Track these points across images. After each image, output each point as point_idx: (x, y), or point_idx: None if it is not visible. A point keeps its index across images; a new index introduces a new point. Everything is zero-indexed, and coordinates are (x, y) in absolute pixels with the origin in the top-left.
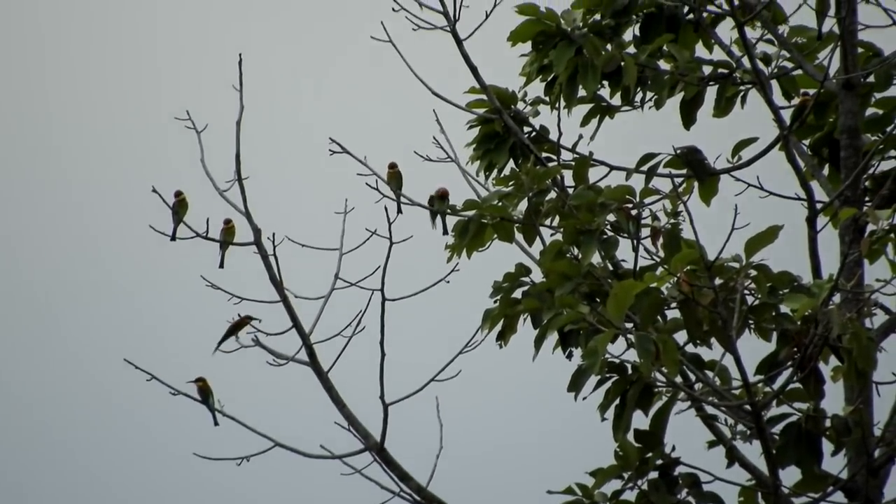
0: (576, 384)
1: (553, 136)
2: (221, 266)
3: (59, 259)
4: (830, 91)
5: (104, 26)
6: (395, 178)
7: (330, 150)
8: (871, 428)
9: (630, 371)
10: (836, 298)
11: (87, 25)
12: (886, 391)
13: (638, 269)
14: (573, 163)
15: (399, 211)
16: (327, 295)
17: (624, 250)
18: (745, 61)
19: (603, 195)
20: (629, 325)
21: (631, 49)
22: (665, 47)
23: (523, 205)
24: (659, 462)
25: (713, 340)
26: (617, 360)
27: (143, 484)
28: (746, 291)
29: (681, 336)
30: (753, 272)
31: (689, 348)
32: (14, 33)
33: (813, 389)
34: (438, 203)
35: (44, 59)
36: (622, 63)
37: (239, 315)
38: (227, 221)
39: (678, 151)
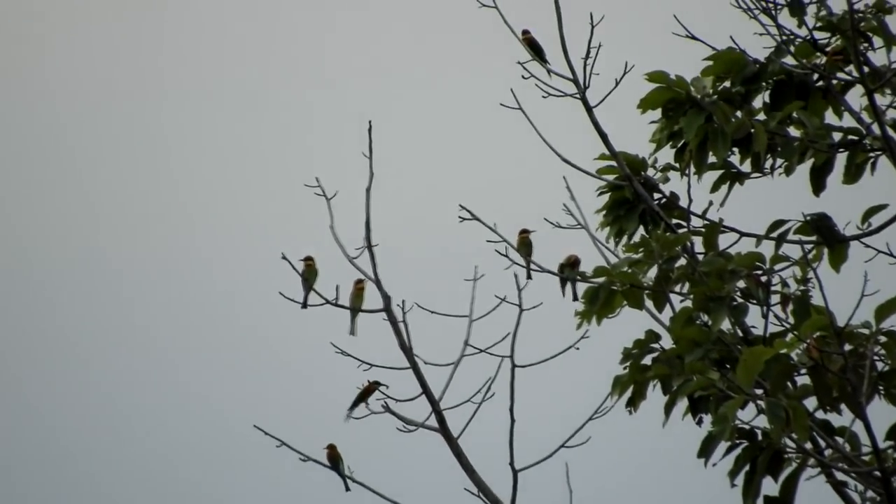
0: (705, 450)
1: (683, 202)
2: (353, 333)
3: (189, 324)
4: None
5: (235, 93)
6: (525, 244)
7: (460, 217)
8: None
9: (760, 437)
10: None
11: (218, 89)
12: None
13: (767, 335)
14: (703, 229)
15: (529, 277)
16: (457, 361)
17: (754, 317)
18: (875, 128)
19: (733, 262)
20: (759, 392)
21: (761, 116)
22: (795, 114)
23: (653, 271)
24: None
25: (843, 406)
26: (747, 427)
27: None
28: (876, 358)
29: (810, 402)
30: (883, 338)
31: (819, 414)
32: (145, 96)
33: None
34: (569, 270)
35: (175, 122)
36: (752, 130)
37: (368, 381)
38: (359, 281)
39: (808, 218)
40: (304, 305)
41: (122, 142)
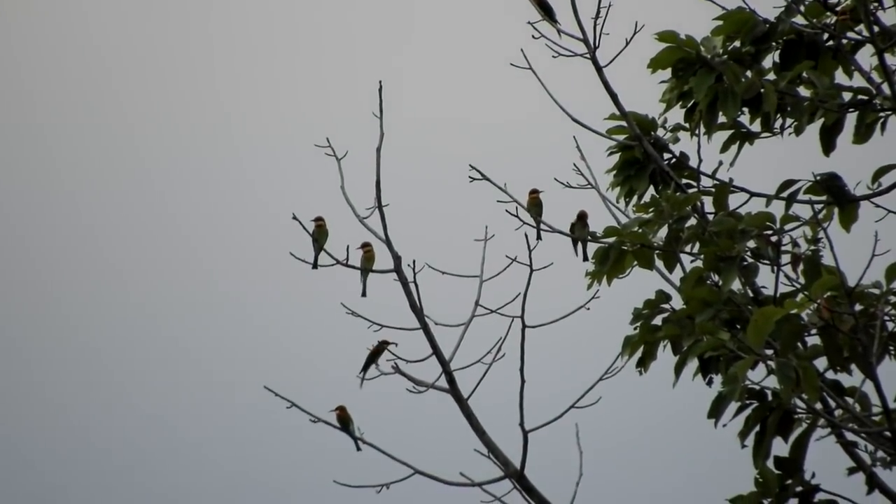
0: (716, 411)
1: (693, 162)
2: (364, 294)
3: (199, 286)
4: None
5: (248, 53)
6: (535, 204)
7: (470, 177)
8: None
9: (770, 398)
10: None
11: (232, 51)
12: None
13: (778, 295)
14: (713, 189)
15: (539, 238)
16: (467, 322)
17: (764, 277)
18: (885, 88)
19: (743, 222)
20: (769, 352)
21: (771, 76)
22: (805, 74)
23: (663, 231)
24: (799, 489)
25: (853, 367)
26: (757, 387)
27: None
28: (887, 318)
29: (821, 362)
30: (894, 298)
31: (829, 375)
32: (164, 53)
33: None
34: (578, 226)
35: (189, 81)
36: (762, 90)
37: (378, 341)
38: (366, 245)
39: (818, 178)
40: (315, 266)
41: (140, 97)
